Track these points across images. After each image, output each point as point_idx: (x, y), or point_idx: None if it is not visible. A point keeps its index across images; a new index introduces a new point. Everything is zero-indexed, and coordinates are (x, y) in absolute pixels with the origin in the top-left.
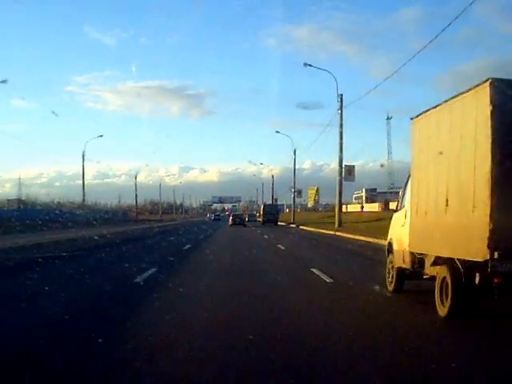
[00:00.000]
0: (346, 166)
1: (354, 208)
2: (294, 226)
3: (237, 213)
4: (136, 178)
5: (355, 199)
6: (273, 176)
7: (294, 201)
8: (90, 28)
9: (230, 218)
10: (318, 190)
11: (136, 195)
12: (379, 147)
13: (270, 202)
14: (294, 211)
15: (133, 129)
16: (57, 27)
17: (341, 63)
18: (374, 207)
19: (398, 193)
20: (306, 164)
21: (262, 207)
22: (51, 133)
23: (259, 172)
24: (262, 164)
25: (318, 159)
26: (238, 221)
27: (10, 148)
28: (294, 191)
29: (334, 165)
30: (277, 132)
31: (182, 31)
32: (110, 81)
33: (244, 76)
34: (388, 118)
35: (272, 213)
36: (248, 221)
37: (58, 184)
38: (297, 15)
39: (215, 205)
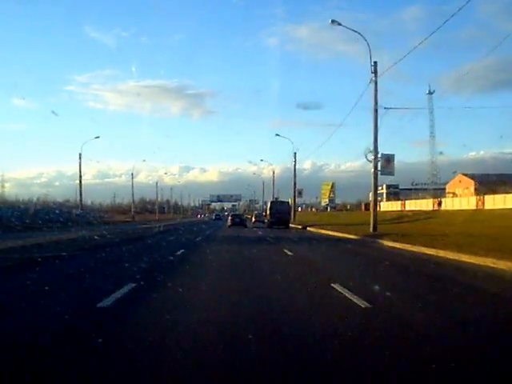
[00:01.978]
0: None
1: (391, 206)
2: (386, 242)
3: (236, 212)
4: (80, 167)
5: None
6: (296, 153)
7: (376, 179)
8: (90, 27)
9: (229, 218)
10: (333, 186)
11: (81, 193)
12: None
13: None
14: (375, 203)
15: (133, 128)
16: (57, 26)
17: (342, 63)
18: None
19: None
20: (306, 164)
21: (269, 205)
22: (51, 132)
23: (259, 172)
24: (262, 161)
25: (318, 159)
26: (238, 221)
27: (10, 147)
28: (375, 157)
29: (334, 165)
30: (276, 135)
31: (182, 30)
32: (110, 80)
33: (245, 76)
34: (430, 93)
35: (282, 212)
36: (256, 221)
37: (57, 184)
38: (298, 14)
39: (214, 204)
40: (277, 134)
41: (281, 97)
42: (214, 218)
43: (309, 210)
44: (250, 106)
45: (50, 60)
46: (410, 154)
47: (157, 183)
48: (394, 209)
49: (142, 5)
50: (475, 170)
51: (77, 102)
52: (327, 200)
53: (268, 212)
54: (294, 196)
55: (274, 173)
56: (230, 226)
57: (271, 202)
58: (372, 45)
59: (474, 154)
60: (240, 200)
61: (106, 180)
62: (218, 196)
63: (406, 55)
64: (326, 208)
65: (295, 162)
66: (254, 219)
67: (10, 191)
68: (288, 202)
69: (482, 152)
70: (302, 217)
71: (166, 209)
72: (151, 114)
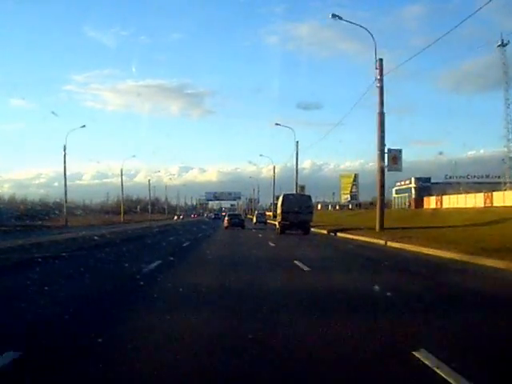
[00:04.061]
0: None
1: (464, 201)
2: None
3: (235, 212)
4: None
5: (397, 192)
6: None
7: None
8: (89, 26)
9: (226, 218)
10: (356, 179)
11: None
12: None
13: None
14: None
15: (132, 128)
16: (56, 26)
17: (343, 62)
18: None
19: None
20: (305, 164)
21: (281, 200)
22: (50, 132)
23: (259, 171)
24: (261, 156)
25: (317, 159)
26: (237, 221)
27: (8, 148)
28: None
29: (333, 165)
30: (277, 124)
31: (181, 29)
32: (109, 80)
33: (244, 75)
34: (502, 45)
35: (301, 211)
36: (258, 222)
37: (56, 184)
38: (298, 12)
39: (211, 203)
40: (277, 124)
41: (281, 96)
42: (213, 217)
43: (330, 208)
44: (250, 106)
45: (49, 60)
46: (409, 153)
47: (121, 174)
48: (469, 205)
49: (140, 4)
50: (475, 169)
51: (76, 102)
52: (348, 196)
53: (280, 210)
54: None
55: (297, 144)
56: (226, 227)
57: (285, 196)
58: (373, 43)
59: (473, 152)
60: (239, 198)
61: (105, 180)
62: (215, 194)
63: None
64: (349, 206)
65: (297, 154)
66: (254, 220)
67: (9, 192)
68: (310, 196)
69: (482, 151)
70: (333, 218)
71: (138, 209)
72: (150, 113)
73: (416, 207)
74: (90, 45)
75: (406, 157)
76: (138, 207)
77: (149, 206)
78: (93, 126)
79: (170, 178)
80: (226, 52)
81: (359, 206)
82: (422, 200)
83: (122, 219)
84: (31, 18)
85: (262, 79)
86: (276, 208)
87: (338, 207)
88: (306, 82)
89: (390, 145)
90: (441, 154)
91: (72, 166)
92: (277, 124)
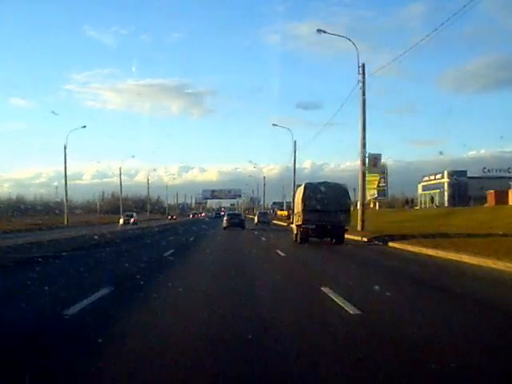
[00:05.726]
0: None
1: None
2: None
3: (235, 211)
4: None
5: (424, 189)
6: None
7: None
8: (89, 25)
9: (225, 218)
10: (385, 171)
11: None
12: (379, 146)
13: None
14: None
15: (132, 128)
16: (56, 25)
17: (344, 61)
18: None
19: None
20: (306, 164)
21: (302, 193)
22: (50, 132)
23: (258, 172)
24: (274, 125)
25: (317, 159)
26: (237, 221)
27: (8, 147)
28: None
29: (334, 165)
30: (274, 125)
31: (182, 29)
32: (109, 79)
33: (245, 74)
34: None
35: (334, 209)
36: (260, 222)
37: (56, 184)
38: (300, 11)
39: (210, 202)
40: (274, 124)
41: (281, 95)
42: (214, 216)
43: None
44: (251, 105)
45: (49, 59)
46: (409, 153)
47: (65, 163)
48: None
49: (141, 2)
50: (475, 169)
51: (76, 101)
52: (375, 192)
53: (300, 207)
54: None
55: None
56: (225, 228)
57: (309, 188)
58: (374, 42)
59: (474, 152)
60: (240, 196)
61: (105, 180)
62: (214, 192)
63: (403, 54)
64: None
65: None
66: (256, 220)
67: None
68: (346, 188)
69: (482, 151)
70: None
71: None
72: (151, 113)
73: (496, 203)
74: (90, 44)
75: (405, 157)
76: (98, 204)
77: (120, 205)
78: (93, 126)
79: (154, 170)
80: (227, 51)
81: (411, 203)
82: (506, 194)
83: (65, 221)
84: (31, 17)
85: (263, 79)
86: (294, 205)
87: (372, 205)
88: (306, 82)
89: None
90: (441, 153)
91: (72, 165)
92: (274, 125)
